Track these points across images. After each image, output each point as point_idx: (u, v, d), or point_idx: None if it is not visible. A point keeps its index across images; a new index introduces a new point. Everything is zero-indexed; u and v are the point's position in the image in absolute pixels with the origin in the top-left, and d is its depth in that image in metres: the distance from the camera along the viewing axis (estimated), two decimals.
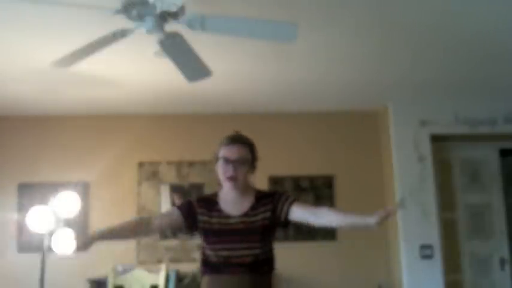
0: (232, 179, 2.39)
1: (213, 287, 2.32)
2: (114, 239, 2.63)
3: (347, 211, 2.36)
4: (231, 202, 2.43)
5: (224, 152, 2.43)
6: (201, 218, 2.40)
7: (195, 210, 2.42)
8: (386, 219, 2.13)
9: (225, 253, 2.32)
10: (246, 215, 2.37)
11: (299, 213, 2.36)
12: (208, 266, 2.36)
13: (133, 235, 2.70)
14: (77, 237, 2.63)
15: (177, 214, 2.42)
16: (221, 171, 2.43)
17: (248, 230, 2.34)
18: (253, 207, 2.39)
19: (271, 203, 2.39)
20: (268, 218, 2.36)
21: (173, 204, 5.36)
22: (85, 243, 2.47)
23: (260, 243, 2.34)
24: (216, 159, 2.45)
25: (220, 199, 2.46)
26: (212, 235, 2.36)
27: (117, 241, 2.74)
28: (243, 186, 2.42)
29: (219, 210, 2.41)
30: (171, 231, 2.49)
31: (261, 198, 2.42)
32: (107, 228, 2.52)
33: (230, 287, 2.29)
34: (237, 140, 2.48)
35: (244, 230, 2.34)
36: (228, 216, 2.38)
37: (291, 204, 2.37)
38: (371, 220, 2.12)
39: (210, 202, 2.45)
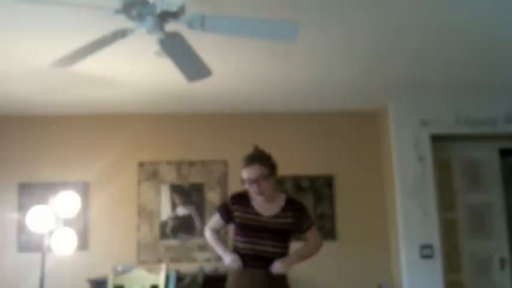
0: (260, 193, 2.81)
1: (238, 277, 2.80)
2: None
3: (303, 249, 3.00)
4: (263, 204, 2.86)
5: (245, 173, 2.81)
6: (236, 214, 2.86)
7: (230, 209, 2.89)
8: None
9: (251, 246, 2.78)
10: (275, 216, 2.83)
11: (308, 236, 2.97)
12: (237, 252, 2.83)
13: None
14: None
15: (218, 220, 2.97)
16: (249, 189, 2.84)
17: (275, 229, 2.80)
18: (282, 210, 2.85)
19: (298, 213, 2.89)
20: (292, 224, 2.85)
21: (174, 204, 5.37)
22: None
23: (282, 242, 2.83)
24: (242, 180, 2.84)
25: (253, 199, 2.87)
26: (244, 228, 2.82)
27: None
28: (270, 194, 2.85)
29: (252, 208, 2.85)
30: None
31: (290, 204, 2.89)
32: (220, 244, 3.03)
33: (254, 277, 2.76)
34: (253, 160, 2.82)
35: (272, 228, 2.80)
36: (260, 214, 2.83)
37: (309, 227, 2.95)
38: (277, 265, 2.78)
39: (244, 199, 2.88)
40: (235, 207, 2.86)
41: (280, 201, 2.88)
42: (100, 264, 4.82)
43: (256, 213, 2.83)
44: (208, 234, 3.03)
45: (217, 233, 3.03)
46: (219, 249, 2.96)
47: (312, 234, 2.97)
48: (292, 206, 2.89)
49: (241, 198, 2.88)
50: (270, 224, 2.80)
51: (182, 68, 3.04)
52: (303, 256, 2.96)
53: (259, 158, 2.82)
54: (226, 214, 2.91)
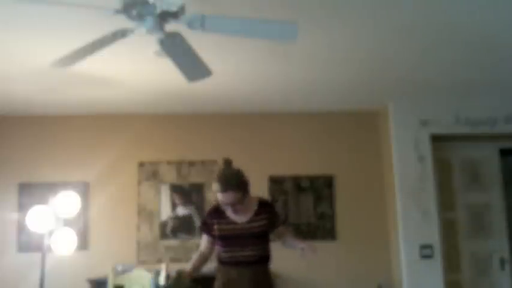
0: (235, 213, 2.96)
1: (225, 274, 2.97)
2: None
3: (294, 236, 3.22)
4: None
5: (220, 197, 2.92)
6: (214, 227, 3.01)
7: (209, 225, 3.05)
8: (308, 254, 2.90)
9: (233, 254, 2.94)
10: (250, 221, 2.97)
11: (278, 232, 3.12)
12: (220, 260, 3.01)
13: (205, 263, 3.28)
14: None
15: (205, 238, 3.11)
16: (225, 208, 2.97)
17: (252, 233, 2.95)
18: (256, 214, 2.99)
19: (268, 213, 3.03)
20: (265, 225, 3.00)
21: (174, 204, 5.37)
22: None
23: (261, 244, 2.99)
24: (216, 197, 2.96)
25: (227, 209, 2.99)
26: (223, 239, 2.98)
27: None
28: (242, 210, 2.98)
29: (227, 218, 2.98)
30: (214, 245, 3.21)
31: (262, 206, 3.04)
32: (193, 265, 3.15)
33: (239, 274, 2.93)
34: (227, 188, 2.88)
35: (249, 233, 2.94)
36: (235, 223, 2.97)
37: (278, 225, 3.11)
38: (301, 245, 2.94)
39: (218, 211, 3.01)
40: (213, 221, 3.02)
41: (253, 205, 3.02)
42: (100, 264, 4.82)
43: (232, 222, 2.97)
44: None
45: (206, 255, 3.13)
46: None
47: (285, 228, 3.25)
48: (264, 207, 3.05)
49: (216, 212, 3.04)
50: (246, 230, 2.96)
51: (182, 68, 3.04)
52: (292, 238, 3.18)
53: (232, 184, 2.89)
54: (208, 231, 3.07)
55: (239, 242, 2.95)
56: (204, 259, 3.16)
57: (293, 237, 3.16)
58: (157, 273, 3.85)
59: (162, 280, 3.70)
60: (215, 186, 2.92)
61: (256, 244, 2.96)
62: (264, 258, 3.03)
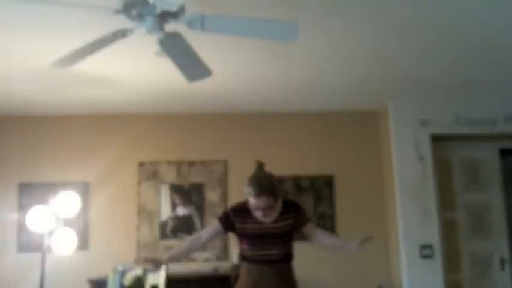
0: (264, 217, 2.95)
1: (249, 272, 2.98)
2: (181, 258, 3.29)
3: (335, 236, 3.33)
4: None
5: (253, 202, 2.89)
6: (238, 225, 2.98)
7: (232, 219, 3.00)
8: (363, 245, 3.02)
9: (258, 252, 2.95)
10: (275, 221, 2.97)
11: (307, 230, 3.10)
12: (245, 258, 3.02)
13: (192, 252, 3.43)
14: (147, 260, 3.13)
15: (218, 225, 3.04)
16: (254, 211, 2.94)
17: (277, 234, 2.96)
18: (281, 214, 2.98)
19: (294, 213, 3.02)
20: (290, 225, 3.00)
21: (174, 204, 5.37)
22: (157, 265, 2.99)
23: (286, 243, 3.01)
24: (248, 199, 2.93)
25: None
26: (248, 238, 2.97)
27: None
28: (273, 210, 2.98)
29: (253, 218, 2.96)
30: (215, 237, 3.25)
31: (287, 206, 3.03)
32: (174, 251, 3.27)
33: (263, 273, 2.94)
34: (262, 192, 2.86)
35: (274, 233, 2.95)
36: (261, 222, 2.96)
37: (306, 222, 3.08)
38: (350, 246, 3.08)
39: (244, 210, 2.98)
40: (237, 219, 2.98)
41: (278, 205, 2.99)
42: (100, 264, 4.82)
43: (258, 222, 2.96)
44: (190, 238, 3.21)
45: (199, 241, 3.10)
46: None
47: (314, 225, 3.21)
48: (289, 208, 3.03)
49: (241, 210, 2.99)
50: (272, 230, 2.95)
51: (182, 68, 3.04)
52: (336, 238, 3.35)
53: (266, 190, 2.86)
54: (226, 222, 3.01)
55: (264, 241, 2.95)
56: (194, 247, 3.16)
57: (335, 238, 3.28)
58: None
59: (162, 280, 3.70)
60: (248, 189, 2.89)
61: (281, 243, 2.98)
62: (288, 257, 3.04)
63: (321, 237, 3.16)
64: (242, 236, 3.01)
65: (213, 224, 3.10)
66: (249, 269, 2.99)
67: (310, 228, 3.11)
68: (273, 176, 2.98)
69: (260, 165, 3.03)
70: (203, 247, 3.50)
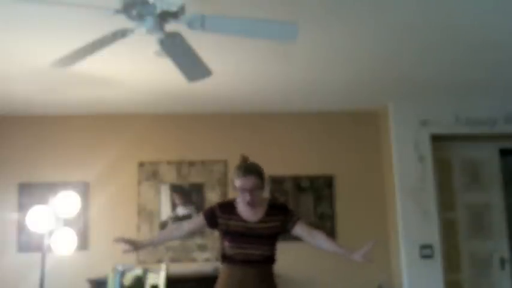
0: (251, 202, 2.91)
1: (231, 272, 2.95)
2: (158, 245, 3.39)
3: (336, 243, 3.21)
4: (248, 210, 2.96)
5: (240, 183, 2.90)
6: (221, 221, 2.97)
7: (216, 215, 2.99)
8: (368, 254, 3.02)
9: (240, 251, 2.92)
10: (260, 221, 2.94)
11: (299, 230, 3.00)
12: (225, 257, 2.98)
13: (171, 240, 3.59)
14: (126, 241, 3.18)
15: (201, 219, 3.05)
16: (240, 197, 2.94)
17: (261, 234, 2.93)
18: (267, 214, 2.96)
19: (282, 215, 2.98)
20: (277, 227, 2.96)
21: (174, 204, 5.37)
22: (136, 247, 3.13)
23: (269, 245, 2.96)
24: (234, 187, 2.95)
25: (239, 206, 2.98)
26: (231, 236, 2.94)
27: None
28: (257, 203, 2.96)
29: (238, 215, 2.96)
30: (198, 231, 3.48)
31: (273, 207, 3.01)
32: (155, 238, 3.51)
33: (245, 273, 2.91)
34: (251, 171, 2.91)
35: (258, 233, 2.92)
36: (245, 221, 2.94)
37: (295, 222, 2.99)
38: (355, 256, 3.02)
39: (230, 207, 2.99)
40: (223, 215, 2.98)
41: (263, 205, 2.99)
42: (100, 264, 4.82)
43: (242, 220, 2.95)
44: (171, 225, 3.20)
45: (181, 230, 3.15)
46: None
47: (303, 224, 3.03)
48: (276, 209, 3.01)
49: (228, 207, 3.00)
50: (256, 230, 2.93)
51: (182, 68, 3.05)
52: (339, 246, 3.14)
53: (256, 170, 2.93)
54: (210, 218, 3.01)
55: (247, 240, 2.92)
56: (174, 236, 3.24)
57: (338, 246, 3.08)
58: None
59: (162, 280, 3.70)
60: (235, 172, 2.91)
61: (264, 244, 2.94)
62: (270, 259, 3.00)
63: (321, 242, 3.00)
64: (225, 233, 2.97)
65: (197, 218, 3.15)
66: (230, 269, 2.96)
67: (300, 227, 2.99)
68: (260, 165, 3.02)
69: (245, 160, 3.04)
70: (183, 238, 3.61)
